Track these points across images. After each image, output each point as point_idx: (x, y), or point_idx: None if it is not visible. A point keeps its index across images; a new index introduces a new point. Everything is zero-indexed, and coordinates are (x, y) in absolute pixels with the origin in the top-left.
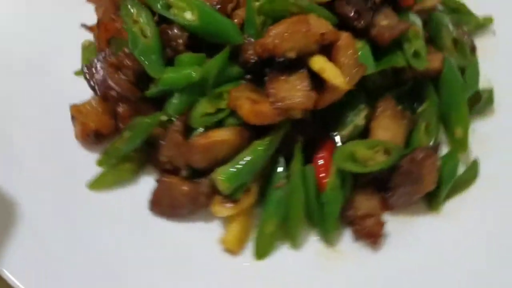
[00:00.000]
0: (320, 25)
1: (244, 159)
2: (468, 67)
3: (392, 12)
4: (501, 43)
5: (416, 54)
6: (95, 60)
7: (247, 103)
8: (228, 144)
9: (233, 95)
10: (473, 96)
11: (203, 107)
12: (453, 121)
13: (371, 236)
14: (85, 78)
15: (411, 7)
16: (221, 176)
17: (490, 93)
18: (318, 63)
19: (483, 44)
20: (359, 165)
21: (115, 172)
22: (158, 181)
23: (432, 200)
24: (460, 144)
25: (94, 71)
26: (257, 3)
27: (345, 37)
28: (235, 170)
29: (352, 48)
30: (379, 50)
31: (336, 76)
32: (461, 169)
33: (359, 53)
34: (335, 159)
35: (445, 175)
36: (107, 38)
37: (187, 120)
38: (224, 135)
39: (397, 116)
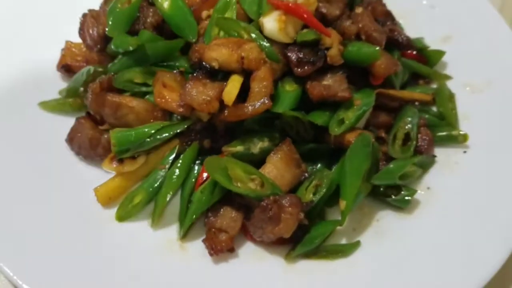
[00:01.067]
0: (251, 52)
1: (139, 129)
2: (398, 161)
3: (343, 79)
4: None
5: (341, 122)
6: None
7: (159, 86)
8: (135, 112)
9: (157, 76)
10: (392, 187)
11: (131, 74)
12: (342, 192)
13: (215, 248)
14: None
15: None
16: (113, 134)
17: (411, 193)
18: (231, 79)
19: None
20: (226, 180)
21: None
22: (76, 119)
23: (290, 250)
24: (341, 215)
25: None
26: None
27: (263, 70)
28: (126, 133)
29: (267, 81)
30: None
31: (226, 93)
32: (342, 240)
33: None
34: (206, 164)
35: (311, 236)
36: None
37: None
38: (133, 102)
39: (291, 162)
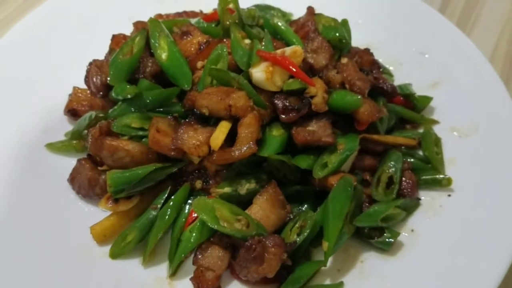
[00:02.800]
0: (239, 101)
1: (134, 170)
2: (380, 203)
3: (327, 124)
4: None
5: (324, 166)
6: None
7: (153, 130)
8: (131, 155)
9: (152, 121)
10: (376, 228)
11: (129, 119)
12: (325, 233)
13: (201, 286)
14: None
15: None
16: (109, 175)
17: (394, 236)
18: (220, 125)
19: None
20: (213, 220)
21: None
22: (78, 160)
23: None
24: (324, 256)
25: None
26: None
27: (250, 117)
28: (121, 175)
29: (253, 128)
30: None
31: (213, 139)
32: (327, 281)
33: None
34: (194, 204)
35: (295, 276)
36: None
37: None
38: (129, 146)
39: (277, 203)
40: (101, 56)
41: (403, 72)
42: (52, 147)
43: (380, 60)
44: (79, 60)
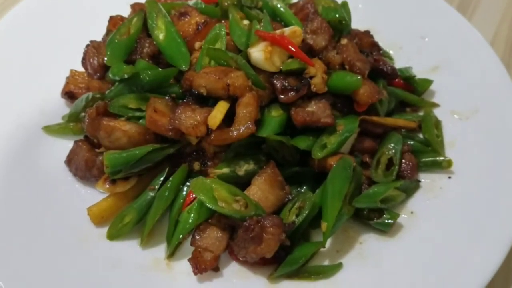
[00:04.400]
0: (237, 80)
1: (131, 151)
2: (380, 185)
3: (327, 105)
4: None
5: (323, 147)
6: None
7: (150, 110)
8: (128, 135)
9: (149, 101)
10: (375, 210)
11: (126, 100)
12: (324, 214)
13: (199, 267)
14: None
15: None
16: (106, 156)
17: (393, 217)
18: (218, 105)
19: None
20: (211, 201)
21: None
22: (75, 142)
23: (273, 270)
24: (323, 237)
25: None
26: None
27: (248, 96)
28: (118, 155)
29: (252, 107)
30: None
31: (211, 118)
32: (325, 262)
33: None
34: (192, 185)
35: (294, 257)
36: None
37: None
38: (126, 126)
39: (275, 184)
40: (99, 38)
41: (403, 56)
42: (49, 129)
43: (381, 44)
44: (77, 43)
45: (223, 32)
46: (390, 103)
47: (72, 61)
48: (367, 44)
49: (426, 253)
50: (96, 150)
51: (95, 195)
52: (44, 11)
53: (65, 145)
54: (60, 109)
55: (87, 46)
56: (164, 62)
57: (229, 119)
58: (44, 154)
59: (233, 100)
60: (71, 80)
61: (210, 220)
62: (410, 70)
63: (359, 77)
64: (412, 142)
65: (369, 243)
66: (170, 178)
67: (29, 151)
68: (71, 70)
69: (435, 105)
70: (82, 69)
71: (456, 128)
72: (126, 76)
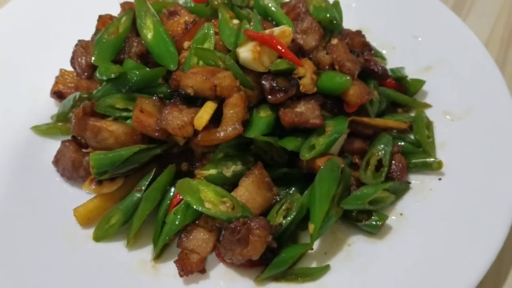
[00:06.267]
0: (224, 80)
1: (117, 151)
2: (368, 186)
3: (316, 106)
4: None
5: (312, 148)
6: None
7: (137, 110)
8: (115, 136)
9: (136, 101)
10: (364, 212)
11: (113, 99)
12: (311, 216)
13: (185, 269)
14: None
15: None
16: (92, 157)
17: (382, 219)
18: (205, 106)
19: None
20: (197, 202)
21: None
22: (62, 142)
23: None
24: (310, 239)
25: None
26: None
27: (235, 97)
28: (104, 156)
29: (239, 108)
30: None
31: (197, 118)
32: (313, 264)
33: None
34: (178, 186)
35: (281, 259)
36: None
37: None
38: (113, 126)
39: (263, 185)
40: (89, 37)
41: (396, 56)
42: (37, 129)
43: (374, 44)
44: (68, 42)
45: (212, 31)
46: (381, 103)
47: (62, 60)
48: (358, 44)
49: (415, 255)
50: (84, 150)
51: (83, 195)
52: (33, 9)
53: (54, 145)
54: (49, 108)
55: (76, 45)
56: (153, 61)
57: (217, 119)
58: (33, 154)
59: (220, 101)
60: (60, 80)
61: (197, 222)
62: (402, 70)
63: (348, 77)
64: (402, 143)
65: (358, 245)
66: (157, 179)
67: (18, 151)
68: (61, 70)
69: (427, 105)
70: (72, 69)
71: (448, 129)
72: (113, 75)
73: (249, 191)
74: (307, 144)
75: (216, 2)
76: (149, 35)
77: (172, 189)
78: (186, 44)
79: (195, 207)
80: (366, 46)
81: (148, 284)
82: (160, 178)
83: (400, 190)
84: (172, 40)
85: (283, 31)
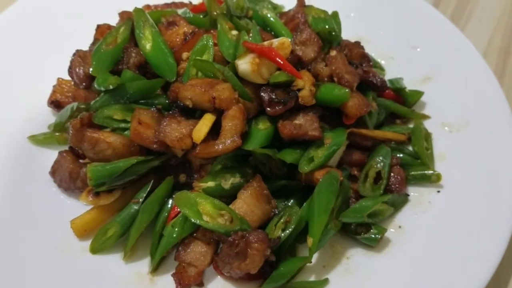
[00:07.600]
0: (223, 93)
1: (115, 163)
2: (367, 199)
3: (314, 118)
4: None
5: (310, 160)
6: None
7: (135, 122)
8: (112, 147)
9: (134, 113)
10: (362, 224)
11: (110, 111)
12: (310, 229)
13: (183, 283)
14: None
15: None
16: (90, 168)
17: (381, 232)
18: (204, 118)
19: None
20: (195, 215)
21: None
22: (59, 152)
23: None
24: (309, 252)
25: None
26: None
27: (234, 109)
28: (102, 168)
29: (238, 120)
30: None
31: (196, 131)
32: (312, 277)
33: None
34: (176, 198)
35: (279, 272)
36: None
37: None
38: (110, 138)
39: (261, 198)
40: (87, 47)
41: (395, 66)
42: (34, 139)
43: (372, 54)
44: (67, 51)
45: (211, 43)
46: (380, 115)
47: (60, 69)
48: (357, 55)
49: (414, 268)
50: (81, 161)
51: (79, 207)
52: (31, 18)
53: (51, 155)
54: (46, 118)
55: (74, 55)
56: (151, 72)
57: (216, 131)
58: (29, 164)
59: (219, 113)
60: (58, 89)
61: (195, 234)
62: (401, 81)
63: (347, 90)
64: (401, 155)
65: (356, 258)
66: (155, 191)
67: (14, 161)
68: (58, 79)
69: (426, 117)
70: (69, 78)
71: (447, 140)
72: (111, 86)
73: (247, 204)
74: (306, 156)
75: (215, 13)
76: (148, 46)
77: (170, 201)
78: (185, 55)
79: (193, 220)
80: (365, 57)
81: None
82: (157, 190)
83: (399, 202)
84: (170, 51)
85: (282, 43)
